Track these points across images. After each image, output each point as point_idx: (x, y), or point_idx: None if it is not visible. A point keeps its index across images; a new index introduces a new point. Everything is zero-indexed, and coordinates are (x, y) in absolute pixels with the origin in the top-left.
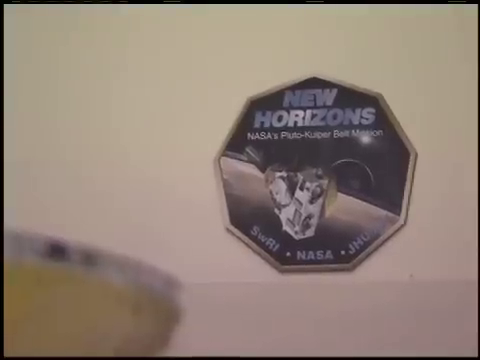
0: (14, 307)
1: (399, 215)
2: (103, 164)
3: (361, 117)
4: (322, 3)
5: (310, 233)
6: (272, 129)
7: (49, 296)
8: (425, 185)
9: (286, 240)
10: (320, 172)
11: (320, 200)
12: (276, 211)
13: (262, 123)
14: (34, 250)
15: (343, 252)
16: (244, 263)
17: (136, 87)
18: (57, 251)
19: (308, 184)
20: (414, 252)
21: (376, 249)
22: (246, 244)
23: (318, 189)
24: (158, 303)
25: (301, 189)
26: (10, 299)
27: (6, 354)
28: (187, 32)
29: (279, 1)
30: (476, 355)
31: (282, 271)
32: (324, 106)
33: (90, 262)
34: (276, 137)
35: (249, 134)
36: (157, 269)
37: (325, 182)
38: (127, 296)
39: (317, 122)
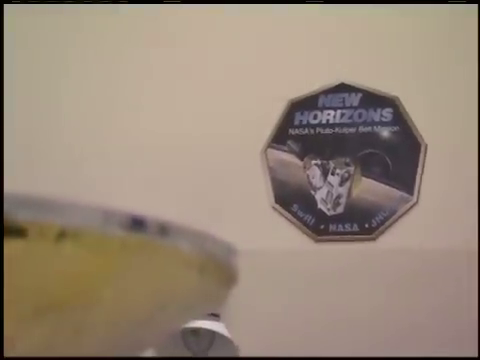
0: (99, 273)
1: (412, 195)
2: (171, 152)
3: (381, 116)
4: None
5: (340, 210)
6: (308, 125)
7: (130, 262)
8: (433, 171)
9: (320, 215)
10: (348, 160)
11: (348, 183)
12: (312, 192)
13: (300, 121)
14: (119, 223)
15: (367, 225)
16: (286, 234)
17: (201, 92)
18: (138, 224)
19: (338, 170)
20: (424, 225)
21: (393, 223)
22: (287, 219)
23: (346, 174)
24: (219, 266)
25: (332, 174)
26: (96, 265)
27: (94, 318)
28: (239, 43)
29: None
30: (476, 355)
31: (317, 241)
32: (351, 107)
33: (164, 233)
34: (312, 132)
35: (290, 130)
36: (218, 238)
37: (352, 168)
38: (194, 260)
39: (345, 120)
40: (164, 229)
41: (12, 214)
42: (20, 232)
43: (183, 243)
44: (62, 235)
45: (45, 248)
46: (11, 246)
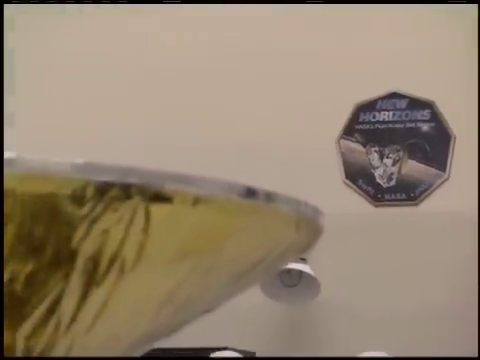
0: (223, 228)
1: (445, 172)
2: (281, 144)
3: (422, 115)
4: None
5: (392, 183)
6: (369, 122)
7: (245, 220)
8: (460, 155)
9: (378, 187)
10: (398, 147)
11: (398, 164)
12: (372, 170)
13: (364, 119)
14: (237, 192)
15: (412, 194)
16: (353, 201)
17: (283, 94)
18: (251, 193)
19: (391, 155)
20: (455, 195)
21: (431, 193)
22: (354, 190)
23: (397, 157)
24: (309, 223)
25: (387, 158)
26: (221, 223)
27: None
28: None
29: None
30: (476, 355)
31: (376, 206)
32: (400, 109)
33: (270, 199)
34: (372, 127)
35: (356, 126)
36: (309, 203)
37: (401, 153)
38: (292, 219)
39: (396, 118)
40: (270, 197)
41: (160, 186)
42: (167, 199)
43: (284, 207)
44: (197, 201)
45: (185, 210)
46: (160, 210)
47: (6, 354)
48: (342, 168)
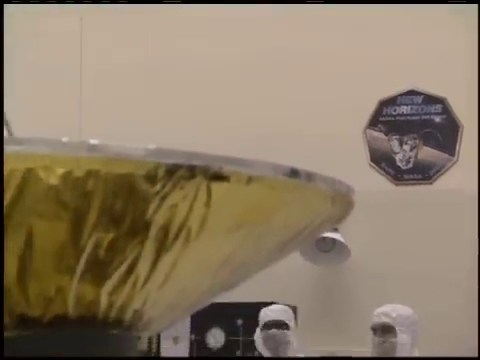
0: (272, 203)
1: (454, 156)
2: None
3: (435, 109)
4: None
5: (410, 166)
6: (391, 115)
7: (290, 196)
8: (467, 142)
9: (398, 169)
10: (415, 136)
11: (415, 150)
12: (393, 155)
13: (386, 112)
14: (283, 172)
15: (426, 175)
16: (376, 180)
17: (319, 91)
18: (294, 173)
19: (409, 141)
20: (462, 176)
21: (443, 173)
22: (378, 171)
23: (414, 144)
24: (343, 199)
25: (405, 144)
26: (270, 199)
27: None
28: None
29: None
30: (476, 355)
31: (396, 184)
32: (417, 103)
33: (310, 179)
34: (393, 119)
35: (380, 117)
36: (342, 181)
37: (418, 141)
38: (328, 195)
39: (413, 111)
40: (310, 176)
41: (220, 167)
42: (225, 178)
43: (322, 185)
44: (250, 180)
45: (240, 188)
46: (219, 187)
47: (90, 309)
48: (368, 153)
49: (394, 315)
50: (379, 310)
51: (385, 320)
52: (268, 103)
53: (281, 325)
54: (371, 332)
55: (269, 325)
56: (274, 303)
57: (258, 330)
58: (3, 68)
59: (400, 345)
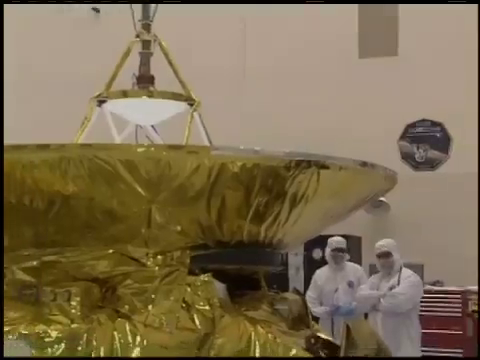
0: (339, 185)
1: (447, 154)
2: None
3: (436, 129)
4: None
5: (423, 160)
6: (412, 132)
7: (353, 178)
8: (458, 144)
9: (416, 162)
10: (426, 145)
11: (426, 152)
12: (414, 154)
13: (410, 131)
14: (358, 164)
15: (432, 165)
16: (404, 168)
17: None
18: (364, 164)
19: (422, 147)
20: (452, 166)
21: (441, 163)
22: (405, 163)
23: (425, 148)
24: (391, 179)
25: (420, 149)
26: (339, 181)
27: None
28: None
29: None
30: (476, 355)
31: (415, 171)
32: (426, 126)
33: (373, 167)
34: (414, 135)
35: (406, 134)
36: (389, 169)
37: (428, 147)
38: (383, 176)
39: (425, 130)
40: (373, 166)
41: (324, 161)
42: (327, 167)
43: (380, 170)
44: (341, 168)
45: (335, 173)
46: (324, 173)
47: (255, 237)
48: (399, 156)
49: (386, 244)
50: (378, 244)
51: (384, 249)
52: (339, 118)
53: (342, 249)
54: (376, 258)
55: (335, 249)
56: (344, 236)
57: (328, 250)
58: (3, 68)
59: (396, 260)
